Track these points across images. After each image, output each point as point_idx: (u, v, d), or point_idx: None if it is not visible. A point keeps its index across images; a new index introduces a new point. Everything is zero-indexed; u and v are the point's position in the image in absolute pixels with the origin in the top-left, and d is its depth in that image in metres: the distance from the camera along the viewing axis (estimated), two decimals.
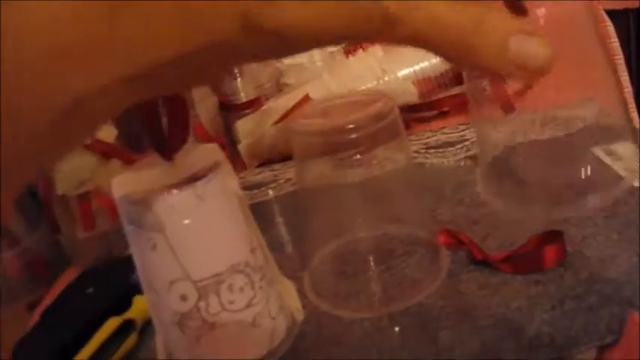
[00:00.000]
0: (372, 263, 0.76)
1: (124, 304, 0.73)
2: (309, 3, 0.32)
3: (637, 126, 1.08)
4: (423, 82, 1.05)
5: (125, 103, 0.31)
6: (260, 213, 0.66)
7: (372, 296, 0.72)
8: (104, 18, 0.27)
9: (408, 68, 1.04)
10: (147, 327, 0.73)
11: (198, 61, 0.31)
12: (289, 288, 0.68)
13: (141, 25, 0.28)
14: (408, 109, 1.05)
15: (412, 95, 1.06)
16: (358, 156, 0.72)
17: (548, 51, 0.35)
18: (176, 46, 0.30)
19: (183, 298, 0.58)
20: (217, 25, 0.30)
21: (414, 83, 1.03)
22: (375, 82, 1.02)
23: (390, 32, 0.33)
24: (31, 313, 0.88)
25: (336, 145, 0.71)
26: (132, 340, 0.71)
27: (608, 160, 0.83)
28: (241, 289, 0.59)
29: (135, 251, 0.60)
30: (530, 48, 0.35)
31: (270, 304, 0.62)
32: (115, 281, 0.77)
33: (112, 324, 0.70)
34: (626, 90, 1.19)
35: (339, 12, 0.33)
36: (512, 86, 1.08)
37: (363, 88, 1.03)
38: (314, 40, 0.34)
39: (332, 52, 1.11)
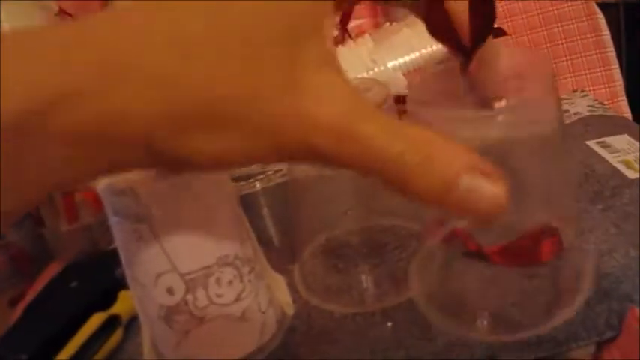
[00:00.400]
0: (363, 256, 0.75)
1: (109, 299, 0.72)
2: (220, 136, 0.31)
3: (629, 118, 1.08)
4: (414, 73, 1.04)
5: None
6: (247, 205, 0.64)
7: (363, 290, 0.71)
8: (16, 154, 0.27)
9: (398, 59, 1.03)
10: (132, 322, 0.71)
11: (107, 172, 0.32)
12: (279, 281, 0.67)
13: (51, 156, 0.28)
14: (398, 100, 1.04)
15: (402, 86, 1.04)
16: None
17: (502, 193, 0.33)
18: (80, 173, 0.30)
19: (170, 291, 0.56)
20: (122, 153, 0.30)
21: (404, 74, 1.02)
22: (365, 73, 1.01)
23: (320, 162, 0.33)
24: (13, 308, 0.87)
25: None
26: (117, 335, 0.69)
27: (603, 152, 0.82)
28: (230, 283, 0.58)
29: (120, 243, 0.58)
30: (482, 189, 0.33)
31: (259, 298, 0.60)
32: (99, 275, 0.76)
33: (96, 319, 0.69)
34: (617, 83, 1.19)
35: (257, 147, 0.32)
36: None
37: (352, 78, 1.02)
38: (227, 167, 0.33)
39: None
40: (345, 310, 0.67)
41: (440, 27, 0.43)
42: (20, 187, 0.28)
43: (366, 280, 0.72)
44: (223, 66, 0.30)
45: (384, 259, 0.73)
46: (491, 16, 0.43)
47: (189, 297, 0.56)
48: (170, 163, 0.32)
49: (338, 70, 0.35)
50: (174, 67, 0.29)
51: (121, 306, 0.71)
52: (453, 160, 0.33)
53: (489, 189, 0.33)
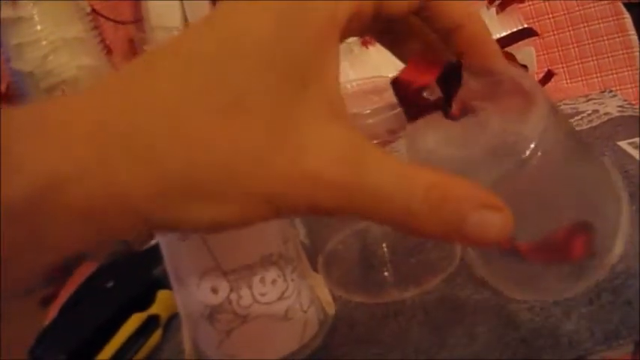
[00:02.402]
0: (385, 250, 0.75)
1: (147, 299, 0.71)
2: (214, 206, 0.32)
3: None
4: None
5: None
6: None
7: (384, 284, 0.71)
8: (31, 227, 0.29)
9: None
10: (171, 322, 0.71)
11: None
12: (319, 280, 0.66)
13: (62, 229, 0.30)
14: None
15: None
16: (374, 142, 0.71)
17: (508, 222, 0.34)
18: (88, 244, 0.31)
19: (214, 290, 0.56)
20: (124, 226, 0.31)
21: None
22: (394, 73, 1.00)
23: (324, 215, 0.33)
24: (45, 309, 0.87)
25: None
26: (157, 336, 0.69)
27: (635, 153, 0.82)
28: (274, 282, 0.58)
29: (163, 243, 0.58)
30: (490, 222, 0.34)
31: (301, 297, 0.60)
32: (136, 275, 0.76)
33: (136, 320, 0.69)
34: None
35: (255, 211, 0.32)
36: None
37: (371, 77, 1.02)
38: (227, 229, 0.33)
39: (349, 44, 1.09)
40: (368, 300, 0.68)
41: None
42: (36, 257, 0.30)
43: (389, 274, 0.73)
44: (209, 133, 0.31)
45: (407, 253, 0.73)
46: (457, 72, 0.42)
47: (234, 296, 0.56)
48: (171, 229, 0.33)
49: (341, 116, 0.35)
50: (163, 142, 0.30)
51: (160, 306, 0.71)
52: (460, 200, 0.34)
53: (496, 221, 0.34)
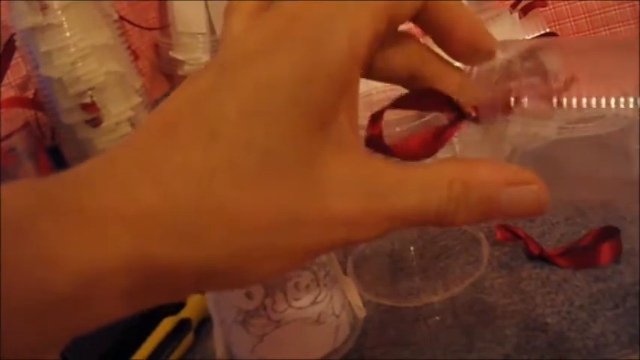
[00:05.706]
0: (413, 254, 0.76)
1: (178, 303, 0.72)
2: (258, 269, 0.32)
3: None
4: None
5: None
6: None
7: (416, 288, 0.71)
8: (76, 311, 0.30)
9: (455, 61, 1.02)
10: (201, 326, 0.72)
11: None
12: (349, 284, 0.67)
13: (103, 309, 0.30)
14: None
15: None
16: None
17: (541, 192, 0.35)
18: (130, 312, 0.32)
19: (249, 295, 0.57)
20: (165, 299, 0.33)
21: None
22: None
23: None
24: None
25: None
26: (188, 340, 0.70)
27: None
28: (307, 287, 0.58)
29: None
30: (522, 196, 0.34)
31: (333, 302, 0.61)
32: None
33: (168, 324, 0.69)
34: None
35: (292, 262, 0.34)
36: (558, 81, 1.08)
37: None
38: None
39: None
40: (395, 304, 0.69)
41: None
42: (74, 332, 0.31)
43: (417, 279, 0.73)
44: (244, 204, 0.31)
45: (436, 260, 0.74)
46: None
47: (268, 301, 0.57)
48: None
49: (356, 145, 0.35)
50: (201, 220, 0.30)
51: (190, 310, 0.71)
52: (485, 184, 0.34)
53: (528, 193, 0.34)
